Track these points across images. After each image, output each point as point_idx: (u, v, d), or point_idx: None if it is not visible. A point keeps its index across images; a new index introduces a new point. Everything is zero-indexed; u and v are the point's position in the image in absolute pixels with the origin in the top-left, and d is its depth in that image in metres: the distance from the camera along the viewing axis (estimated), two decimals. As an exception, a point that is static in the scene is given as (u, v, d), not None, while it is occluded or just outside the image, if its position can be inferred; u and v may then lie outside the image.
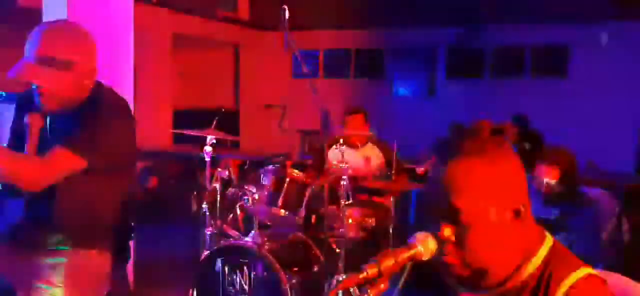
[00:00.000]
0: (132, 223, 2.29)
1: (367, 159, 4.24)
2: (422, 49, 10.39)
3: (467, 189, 1.18)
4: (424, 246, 1.14)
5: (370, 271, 1.06)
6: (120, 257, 2.23)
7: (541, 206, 2.62)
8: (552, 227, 2.61)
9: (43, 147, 2.01)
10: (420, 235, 1.15)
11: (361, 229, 3.56)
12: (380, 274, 1.07)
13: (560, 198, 2.60)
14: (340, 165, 3.44)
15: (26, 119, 2.04)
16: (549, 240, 1.25)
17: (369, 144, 4.30)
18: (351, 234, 3.50)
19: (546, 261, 1.21)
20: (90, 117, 1.99)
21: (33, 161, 1.98)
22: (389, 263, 1.08)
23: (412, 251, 1.12)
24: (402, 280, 1.09)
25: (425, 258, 1.14)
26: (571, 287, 1.16)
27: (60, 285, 1.97)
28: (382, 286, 1.06)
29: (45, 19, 3.31)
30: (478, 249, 1.18)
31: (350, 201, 3.44)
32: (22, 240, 2.08)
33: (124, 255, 2.26)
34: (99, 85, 2.11)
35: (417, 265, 1.15)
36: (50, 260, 2.01)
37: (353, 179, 3.74)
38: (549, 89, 9.42)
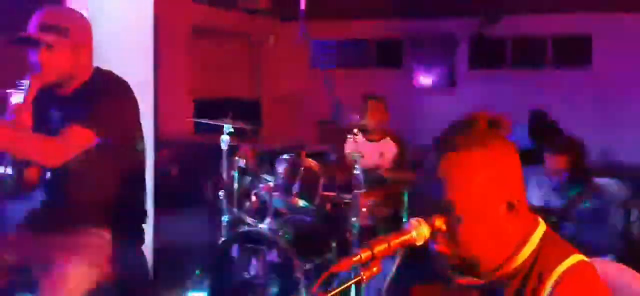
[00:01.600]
0: (145, 207, 2.39)
1: (382, 154, 4.26)
2: (443, 38, 10.31)
3: (460, 182, 1.20)
4: (417, 232, 1.18)
5: (364, 255, 1.11)
6: (133, 238, 2.32)
7: (549, 195, 2.63)
8: (560, 216, 2.65)
9: (53, 128, 2.12)
10: (413, 221, 1.19)
11: (374, 218, 3.61)
12: (373, 257, 1.12)
13: (568, 187, 2.61)
14: (355, 154, 3.48)
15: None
16: (541, 227, 1.26)
17: (386, 139, 4.32)
18: (364, 222, 3.55)
19: (538, 248, 1.23)
20: (97, 94, 2.13)
21: (50, 138, 2.08)
22: (381, 247, 1.12)
23: (405, 237, 1.16)
24: (395, 267, 1.14)
25: (418, 243, 1.18)
26: (563, 273, 1.18)
27: (73, 262, 2.07)
28: (374, 269, 1.11)
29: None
30: (469, 241, 1.21)
31: (364, 190, 3.49)
32: (39, 223, 2.21)
33: (138, 237, 2.35)
34: (98, 69, 2.24)
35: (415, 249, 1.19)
36: (64, 241, 2.12)
37: (367, 169, 3.78)
38: (571, 80, 9.31)
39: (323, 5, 9.01)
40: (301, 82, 10.16)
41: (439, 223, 1.20)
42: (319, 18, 9.67)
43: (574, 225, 2.51)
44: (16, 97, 2.18)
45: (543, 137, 5.75)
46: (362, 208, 3.58)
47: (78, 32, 2.15)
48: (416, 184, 3.89)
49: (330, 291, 1.09)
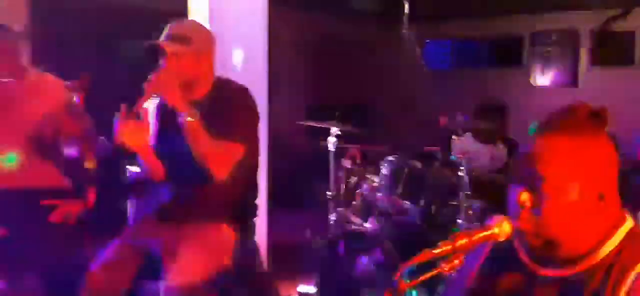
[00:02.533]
0: (256, 202, 2.57)
1: (493, 157, 4.18)
2: (565, 34, 9.78)
3: (554, 161, 1.23)
4: (500, 228, 1.21)
5: (444, 247, 1.17)
6: (247, 232, 2.52)
7: None
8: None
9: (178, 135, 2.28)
10: (497, 217, 1.23)
11: (480, 220, 3.55)
12: (454, 251, 1.17)
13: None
14: (464, 157, 3.46)
15: (183, 116, 2.25)
16: (628, 222, 1.25)
17: (498, 142, 4.22)
18: (470, 225, 3.51)
19: (623, 244, 1.22)
20: (230, 106, 2.31)
21: (226, 153, 2.27)
22: (463, 241, 1.17)
23: (487, 232, 1.20)
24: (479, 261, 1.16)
25: (500, 239, 1.21)
26: None
27: (196, 252, 2.28)
28: (456, 261, 1.16)
29: (191, 14, 3.72)
30: (552, 220, 1.22)
31: (470, 193, 3.46)
32: (168, 216, 2.45)
33: (251, 230, 2.55)
34: (220, 78, 2.44)
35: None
36: (190, 232, 2.34)
37: (475, 172, 3.74)
38: None
39: (436, 5, 8.91)
40: (411, 83, 10.11)
41: (525, 197, 1.23)
42: (432, 18, 9.57)
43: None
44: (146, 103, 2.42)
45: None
46: (469, 212, 3.55)
47: (201, 42, 2.37)
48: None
49: (412, 281, 1.15)
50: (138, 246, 2.42)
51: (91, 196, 2.93)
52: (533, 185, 1.23)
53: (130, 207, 3.87)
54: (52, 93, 2.85)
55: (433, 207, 3.63)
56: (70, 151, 3.04)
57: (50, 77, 2.90)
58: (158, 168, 2.44)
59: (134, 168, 3.87)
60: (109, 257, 2.36)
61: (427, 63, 10.11)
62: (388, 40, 10.50)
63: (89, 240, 2.86)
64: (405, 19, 3.21)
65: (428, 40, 10.11)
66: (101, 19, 6.01)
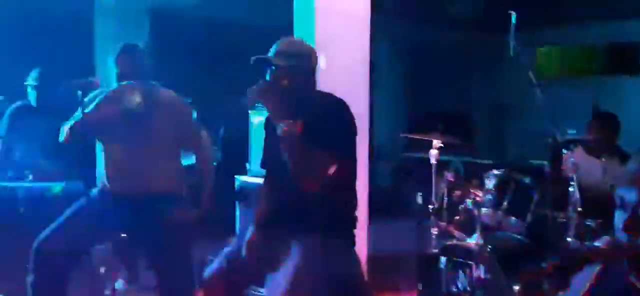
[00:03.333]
0: (356, 214, 2.60)
1: (606, 172, 3.93)
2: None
3: None
4: (611, 250, 1.16)
5: (553, 267, 1.13)
6: (348, 243, 2.56)
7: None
8: None
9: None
10: (607, 238, 1.17)
11: (591, 239, 3.35)
12: (563, 272, 1.13)
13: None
14: (573, 171, 3.30)
15: (281, 127, 2.39)
16: None
17: (613, 157, 3.98)
18: (580, 244, 3.33)
19: None
20: (328, 120, 2.38)
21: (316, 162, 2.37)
22: (572, 262, 1.13)
23: (596, 251, 1.15)
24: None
25: (611, 261, 1.15)
26: None
27: (296, 262, 2.35)
28: (563, 283, 1.12)
29: (295, 31, 3.84)
30: None
31: (581, 209, 3.28)
32: (270, 225, 2.54)
33: (351, 241, 2.59)
34: (320, 92, 2.54)
35: None
36: (289, 243, 2.41)
37: (587, 187, 3.54)
38: None
39: (546, 11, 8.51)
40: (518, 93, 9.72)
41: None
42: (542, 24, 9.16)
43: None
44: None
45: None
46: (580, 229, 3.37)
47: (305, 58, 2.50)
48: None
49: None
50: (244, 255, 2.53)
51: (205, 202, 3.12)
52: None
53: (238, 214, 4.05)
54: (174, 107, 3.07)
55: (541, 224, 3.49)
56: (187, 159, 3.26)
57: (171, 92, 3.12)
58: None
59: (243, 177, 4.05)
60: (220, 267, 2.49)
61: (535, 71, 9.68)
62: (493, 47, 10.19)
63: (202, 243, 3.04)
64: (512, 26, 3.11)
65: (536, 48, 9.69)
66: (212, 35, 6.37)
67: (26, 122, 3.68)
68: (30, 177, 3.54)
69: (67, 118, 2.94)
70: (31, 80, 3.74)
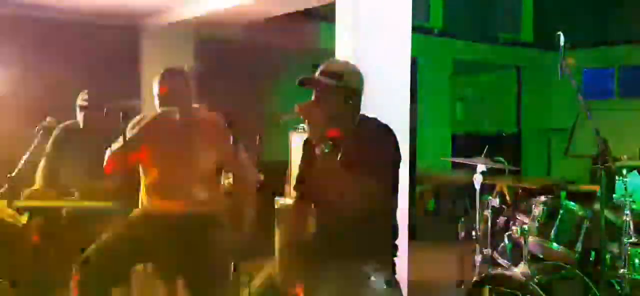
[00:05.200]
0: (396, 242, 2.54)
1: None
2: None
3: None
4: None
5: None
6: (386, 269, 2.49)
7: None
8: None
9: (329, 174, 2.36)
10: None
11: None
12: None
13: None
14: (625, 198, 3.15)
15: (322, 148, 2.38)
16: None
17: None
18: (636, 276, 3.16)
19: None
20: (369, 144, 2.35)
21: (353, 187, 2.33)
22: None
23: None
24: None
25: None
26: None
27: (340, 289, 2.30)
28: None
29: (337, 53, 3.81)
30: None
31: (635, 239, 3.12)
32: (309, 250, 2.51)
33: (390, 268, 2.52)
34: (363, 116, 2.50)
35: None
36: (328, 268, 2.38)
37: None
38: None
39: (599, 30, 8.26)
40: (567, 115, 9.44)
41: None
42: (594, 44, 8.88)
43: None
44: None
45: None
46: (636, 260, 3.20)
47: (351, 80, 2.47)
48: None
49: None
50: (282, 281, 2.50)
51: (246, 224, 3.10)
52: None
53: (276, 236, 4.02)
54: (215, 129, 3.08)
55: (591, 254, 3.33)
56: (228, 181, 3.26)
57: (213, 115, 3.14)
58: None
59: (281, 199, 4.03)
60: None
61: (585, 93, 9.39)
62: (540, 68, 9.94)
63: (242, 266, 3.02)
64: (561, 46, 3.00)
65: (587, 68, 9.39)
66: (257, 58, 6.45)
67: (73, 142, 3.76)
68: (76, 195, 3.61)
69: (112, 140, 2.98)
70: (80, 101, 3.83)
